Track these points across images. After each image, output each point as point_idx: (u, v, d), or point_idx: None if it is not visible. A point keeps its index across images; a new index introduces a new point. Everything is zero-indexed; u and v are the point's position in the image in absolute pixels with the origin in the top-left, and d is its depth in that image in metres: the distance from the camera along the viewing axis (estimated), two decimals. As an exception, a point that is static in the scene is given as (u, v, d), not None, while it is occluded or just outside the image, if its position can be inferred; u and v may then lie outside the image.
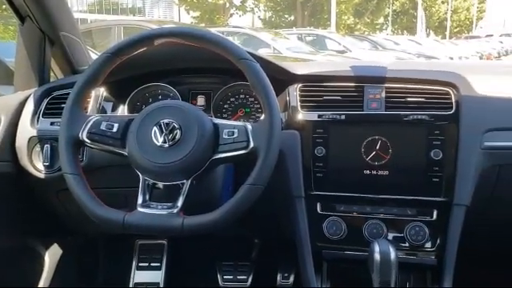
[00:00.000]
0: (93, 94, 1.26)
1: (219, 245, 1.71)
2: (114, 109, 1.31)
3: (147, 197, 0.94)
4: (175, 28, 1.02)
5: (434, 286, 1.12)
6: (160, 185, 0.96)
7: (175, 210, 0.92)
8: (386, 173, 1.12)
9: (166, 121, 0.95)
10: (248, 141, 0.95)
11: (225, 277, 1.68)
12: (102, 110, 1.28)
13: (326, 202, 1.16)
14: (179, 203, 0.93)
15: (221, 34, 1.07)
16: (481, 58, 16.40)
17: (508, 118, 1.14)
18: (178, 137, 0.94)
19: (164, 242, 1.69)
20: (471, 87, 1.14)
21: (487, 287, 1.73)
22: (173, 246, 1.70)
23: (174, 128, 0.94)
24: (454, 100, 1.12)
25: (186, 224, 0.91)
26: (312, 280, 1.14)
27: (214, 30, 1.04)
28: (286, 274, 1.62)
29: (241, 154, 0.95)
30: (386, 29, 34.46)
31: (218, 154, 0.96)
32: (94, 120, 0.98)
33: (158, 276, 1.65)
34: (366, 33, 27.17)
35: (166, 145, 0.94)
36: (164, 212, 0.93)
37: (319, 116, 1.15)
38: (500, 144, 1.11)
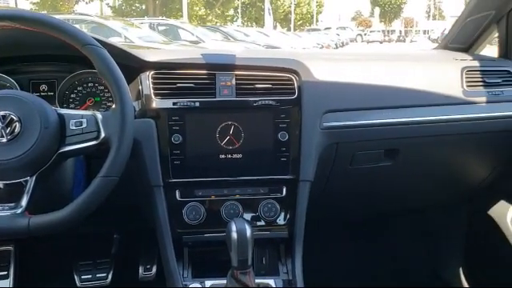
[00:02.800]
0: None
1: (76, 244, 1.61)
2: None
3: None
4: (8, 11, 0.92)
5: (287, 257, 1.21)
6: (0, 184, 0.87)
7: (19, 210, 0.85)
8: (240, 156, 1.17)
9: (1, 113, 0.86)
10: (98, 131, 0.91)
11: (82, 277, 1.59)
12: None
13: (185, 188, 1.17)
14: (23, 202, 0.85)
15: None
16: (321, 49, 17.90)
17: (343, 100, 1.27)
18: (17, 130, 0.86)
19: (10, 248, 1.53)
20: (311, 73, 1.24)
21: (333, 254, 1.93)
22: (21, 250, 1.55)
23: (12, 120, 0.86)
24: (296, 85, 1.20)
25: (33, 224, 0.84)
26: (174, 268, 1.14)
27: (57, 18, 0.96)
28: (148, 266, 1.59)
29: (91, 146, 0.91)
30: (237, 20, 35.53)
31: (65, 146, 0.90)
32: None
33: (5, 286, 1.49)
34: (218, 24, 27.71)
35: (4, 139, 0.85)
36: (6, 213, 0.85)
37: (174, 103, 1.14)
38: (336, 124, 1.24)
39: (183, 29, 12.42)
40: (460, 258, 1.84)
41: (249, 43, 12.52)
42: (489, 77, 1.40)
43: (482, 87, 1.38)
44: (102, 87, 1.25)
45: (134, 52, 1.19)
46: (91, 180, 0.90)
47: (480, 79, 1.39)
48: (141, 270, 1.58)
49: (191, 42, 10.68)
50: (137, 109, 1.14)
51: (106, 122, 0.91)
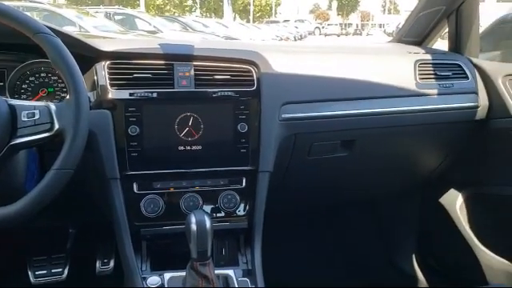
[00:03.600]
0: None
1: (29, 239, 1.56)
2: None
3: None
4: None
5: (246, 247, 1.22)
6: None
7: None
8: (200, 147, 1.16)
9: None
10: (52, 122, 0.88)
11: (37, 272, 1.54)
12: None
13: (143, 180, 1.15)
14: None
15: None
16: (280, 41, 17.98)
17: (301, 92, 1.29)
18: None
19: None
20: (270, 65, 1.24)
21: (292, 243, 1.96)
22: None
23: None
24: (255, 77, 1.21)
25: None
26: (132, 261, 1.13)
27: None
28: (105, 260, 1.57)
29: (45, 137, 0.88)
30: (195, 11, 35.12)
31: (16, 138, 0.87)
32: None
33: None
34: (176, 14, 27.28)
35: None
36: None
37: (130, 94, 1.12)
38: (295, 115, 1.25)
39: (140, 18, 12.15)
40: (413, 244, 1.91)
41: (208, 34, 12.40)
42: (440, 70, 1.46)
43: (433, 80, 1.43)
44: (55, 77, 1.21)
45: (89, 41, 1.16)
46: (45, 173, 0.87)
47: (432, 72, 1.44)
48: (98, 264, 1.55)
49: (149, 32, 10.47)
50: (92, 100, 1.11)
51: (59, 113, 0.89)
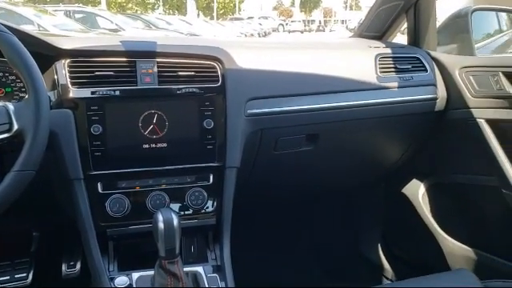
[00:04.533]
0: None
1: None
2: None
3: None
4: None
5: (215, 244, 1.22)
6: None
7: None
8: (165, 145, 1.15)
9: None
10: (11, 123, 0.86)
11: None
12: None
13: (108, 180, 1.13)
14: None
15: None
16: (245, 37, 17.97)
17: (266, 87, 1.30)
18: None
19: None
20: (234, 61, 1.25)
21: (260, 236, 1.98)
22: None
23: None
24: (220, 73, 1.20)
25: None
26: (99, 262, 1.11)
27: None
28: (71, 263, 1.53)
29: (3, 138, 0.86)
30: (158, 8, 34.65)
31: None
32: None
33: None
34: (139, 12, 26.86)
35: None
36: None
37: (92, 93, 1.10)
38: (260, 111, 1.26)
39: (102, 16, 11.89)
40: (378, 234, 1.96)
41: (171, 32, 12.28)
42: (400, 63, 1.49)
43: (393, 73, 1.47)
44: (13, 77, 1.17)
45: (48, 39, 1.13)
46: (4, 175, 0.85)
47: (392, 65, 1.48)
48: (64, 267, 1.52)
49: (111, 30, 10.28)
50: (53, 99, 1.08)
51: (18, 114, 0.86)
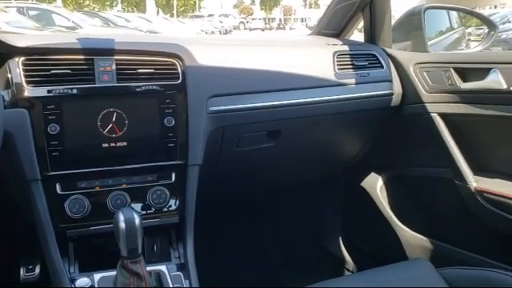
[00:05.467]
0: None
1: None
2: None
3: None
4: None
5: (178, 242, 1.22)
6: None
7: None
8: (125, 144, 1.14)
9: None
10: None
11: None
12: None
13: (66, 181, 1.11)
14: None
15: None
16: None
17: (227, 84, 1.30)
18: None
19: None
20: (194, 58, 1.24)
21: (224, 233, 1.98)
22: None
23: None
24: (180, 70, 1.20)
25: None
26: (59, 264, 1.09)
27: None
28: (30, 267, 1.49)
29: None
30: (116, 5, 33.94)
31: None
32: None
33: None
34: (97, 9, 26.23)
35: None
36: None
37: (49, 91, 1.07)
38: (222, 108, 1.26)
39: (57, 14, 11.54)
40: (339, 227, 2.01)
41: (130, 29, 12.07)
42: (357, 60, 1.53)
43: (351, 70, 1.50)
44: None
45: (0, 36, 1.09)
46: None
47: (349, 62, 1.51)
48: (22, 271, 1.47)
49: (67, 27, 10.00)
50: (7, 98, 1.05)
51: None
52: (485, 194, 1.37)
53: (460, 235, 1.54)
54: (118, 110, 1.12)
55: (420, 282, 1.06)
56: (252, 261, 2.03)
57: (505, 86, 1.28)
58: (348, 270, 1.96)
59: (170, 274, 1.14)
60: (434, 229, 1.63)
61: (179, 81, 1.19)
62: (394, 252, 1.72)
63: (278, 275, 2.00)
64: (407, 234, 1.70)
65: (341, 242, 2.00)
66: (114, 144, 1.13)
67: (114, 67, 1.13)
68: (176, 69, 1.20)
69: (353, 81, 1.48)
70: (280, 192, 2.00)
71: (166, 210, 1.18)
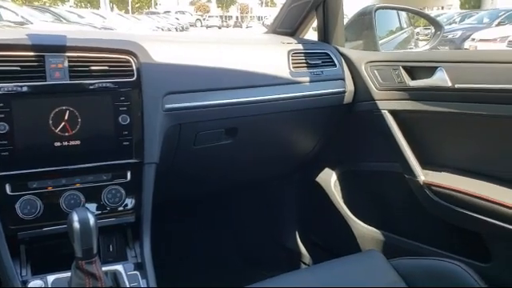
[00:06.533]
0: None
1: None
2: None
3: None
4: None
5: (135, 241, 1.20)
6: None
7: None
8: (78, 143, 1.12)
9: None
10: None
11: None
12: None
13: (17, 181, 1.08)
14: None
15: None
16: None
17: (182, 81, 1.29)
18: None
19: None
20: (150, 55, 1.23)
21: (182, 232, 1.97)
22: None
23: None
24: (135, 67, 1.18)
25: None
26: (10, 267, 1.05)
27: None
28: None
29: None
30: (69, 0, 32.88)
31: None
32: None
33: None
34: (48, 4, 25.32)
35: None
36: None
37: None
38: (178, 105, 1.26)
39: (5, 8, 11.04)
40: (295, 222, 2.04)
41: (84, 25, 11.73)
42: (311, 58, 1.56)
43: (305, 68, 1.53)
44: None
45: None
46: None
47: (304, 61, 1.54)
48: None
49: (16, 23, 9.59)
50: None
51: None
52: (433, 187, 1.43)
53: (410, 227, 1.60)
54: (70, 108, 1.10)
55: (372, 272, 1.10)
56: (210, 258, 2.04)
57: (450, 84, 1.34)
58: (304, 264, 2.00)
59: (126, 274, 1.13)
60: (386, 221, 1.69)
61: (134, 78, 1.18)
62: (348, 245, 1.77)
63: (236, 271, 2.02)
64: (360, 227, 1.76)
65: (297, 236, 2.03)
66: (66, 143, 1.11)
67: (66, 64, 1.11)
68: (131, 66, 1.18)
69: (307, 79, 1.51)
70: (237, 189, 2.02)
71: (121, 209, 1.17)
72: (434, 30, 1.96)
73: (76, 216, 0.95)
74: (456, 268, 1.04)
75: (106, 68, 1.15)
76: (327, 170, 1.83)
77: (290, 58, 1.51)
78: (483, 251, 1.38)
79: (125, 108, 1.16)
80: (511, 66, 1.24)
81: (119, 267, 1.14)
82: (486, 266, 1.36)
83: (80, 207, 1.10)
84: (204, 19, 43.88)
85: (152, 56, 1.23)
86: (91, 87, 1.12)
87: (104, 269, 1.03)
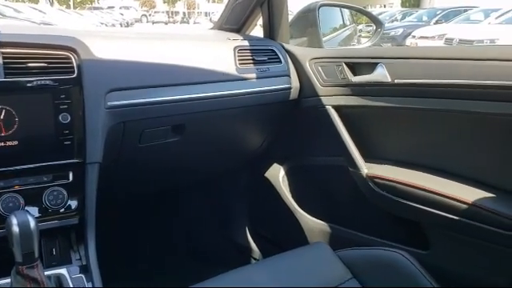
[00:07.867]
0: None
1: None
2: None
3: None
4: None
5: (79, 244, 1.17)
6: None
7: None
8: (16, 143, 1.07)
9: None
10: None
11: None
12: None
13: None
14: None
15: None
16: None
17: (127, 78, 1.26)
18: None
19: None
20: (91, 51, 1.19)
21: (129, 232, 1.94)
22: None
23: None
24: (75, 64, 1.14)
25: None
26: None
27: None
28: None
29: None
30: (4, -6, 31.21)
31: None
32: None
33: None
34: (-21, -3, 23.90)
35: None
36: None
37: None
38: (121, 103, 1.23)
39: None
40: (245, 217, 2.06)
41: (21, 20, 11.16)
42: (257, 55, 1.57)
43: (251, 65, 1.54)
44: None
45: None
46: None
47: (250, 57, 1.55)
48: None
49: None
50: None
51: None
52: (375, 180, 1.48)
53: (355, 219, 1.66)
54: (6, 107, 1.06)
55: (319, 264, 1.13)
56: (160, 256, 2.01)
57: (389, 79, 1.39)
58: (254, 259, 2.02)
59: (71, 277, 1.10)
60: (332, 214, 1.74)
61: (74, 75, 1.14)
62: (296, 238, 1.81)
63: (186, 269, 2.01)
64: (308, 221, 1.79)
65: (247, 231, 2.05)
66: (3, 143, 1.06)
67: (0, 61, 1.06)
68: (71, 62, 1.14)
69: (253, 75, 1.53)
70: (186, 186, 2.00)
71: (64, 211, 1.14)
72: (375, 28, 2.03)
73: (15, 219, 0.91)
74: (398, 256, 1.09)
75: (45, 65, 1.11)
76: (275, 165, 1.86)
77: (237, 54, 1.51)
78: (423, 239, 1.45)
79: (65, 106, 1.12)
80: (446, 62, 1.31)
81: (63, 271, 1.11)
82: (426, 253, 1.43)
83: (19, 210, 1.06)
84: (150, 15, 42.98)
85: (93, 52, 1.20)
86: (29, 85, 1.08)
87: (47, 273, 1.00)
